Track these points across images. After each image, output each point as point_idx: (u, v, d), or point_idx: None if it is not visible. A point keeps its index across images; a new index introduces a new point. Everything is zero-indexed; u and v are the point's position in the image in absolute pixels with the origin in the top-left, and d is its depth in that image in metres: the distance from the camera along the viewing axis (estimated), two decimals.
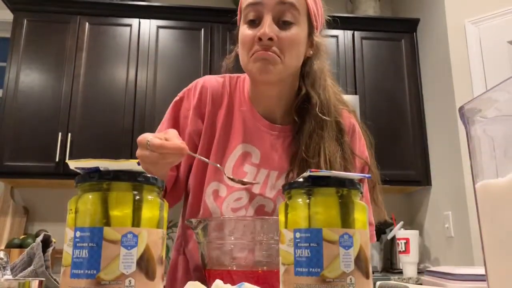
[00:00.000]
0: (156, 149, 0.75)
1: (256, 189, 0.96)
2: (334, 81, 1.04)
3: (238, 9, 0.99)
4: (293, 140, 0.99)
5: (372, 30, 3.07)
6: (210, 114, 1.00)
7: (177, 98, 1.06)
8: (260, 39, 0.88)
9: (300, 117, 0.98)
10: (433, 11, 2.88)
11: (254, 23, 0.91)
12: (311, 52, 0.98)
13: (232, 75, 1.06)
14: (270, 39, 0.88)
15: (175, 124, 1.02)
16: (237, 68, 1.03)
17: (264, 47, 0.89)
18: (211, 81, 1.04)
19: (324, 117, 0.94)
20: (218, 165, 0.89)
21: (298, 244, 0.47)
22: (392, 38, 3.07)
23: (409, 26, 3.10)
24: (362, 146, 1.05)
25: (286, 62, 0.91)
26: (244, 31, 0.92)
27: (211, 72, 2.86)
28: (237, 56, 1.01)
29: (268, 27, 0.88)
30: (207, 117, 1.00)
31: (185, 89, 1.07)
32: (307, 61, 0.98)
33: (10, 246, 2.54)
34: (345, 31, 3.03)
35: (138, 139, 0.78)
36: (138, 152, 0.78)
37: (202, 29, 2.94)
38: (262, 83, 0.96)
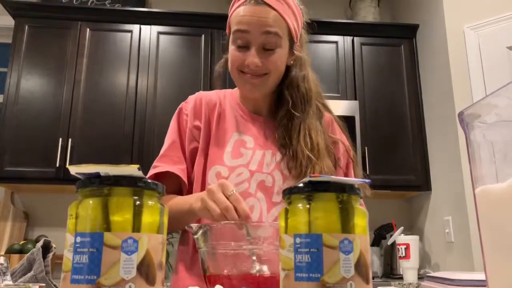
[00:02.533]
0: (233, 200, 0.80)
1: (253, 167, 1.06)
2: (319, 86, 1.16)
3: (227, 23, 1.10)
4: (278, 127, 1.11)
5: (372, 36, 3.08)
6: (206, 115, 1.13)
7: (176, 111, 1.18)
8: (248, 65, 1.03)
9: (280, 109, 1.12)
10: (432, 17, 2.89)
11: (242, 47, 1.04)
12: (291, 62, 1.11)
13: (221, 90, 1.21)
14: (256, 66, 1.02)
15: (179, 130, 1.14)
16: (228, 73, 1.14)
17: (251, 72, 1.04)
18: (203, 92, 1.20)
19: (295, 112, 1.08)
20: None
21: (298, 250, 0.47)
22: (392, 43, 3.08)
23: (409, 32, 3.11)
24: (342, 135, 1.18)
25: (270, 80, 1.07)
26: (234, 52, 1.05)
27: (211, 77, 2.87)
28: (227, 62, 1.13)
29: (254, 56, 1.02)
30: (203, 116, 1.12)
31: (182, 103, 1.19)
32: (287, 69, 1.11)
33: (10, 251, 2.53)
34: (345, 37, 3.04)
35: (223, 181, 0.84)
36: (215, 189, 0.83)
37: (203, 35, 2.95)
38: (250, 97, 1.12)
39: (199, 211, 0.86)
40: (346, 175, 1.14)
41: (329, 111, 1.18)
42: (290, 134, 1.07)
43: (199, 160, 1.08)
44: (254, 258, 0.70)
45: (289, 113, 1.08)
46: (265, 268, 0.70)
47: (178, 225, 0.99)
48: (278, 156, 1.07)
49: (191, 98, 1.17)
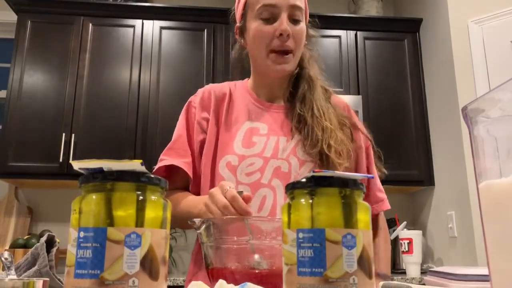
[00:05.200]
0: (230, 198, 0.80)
1: (268, 154, 1.05)
2: (321, 69, 1.18)
3: (242, 4, 1.10)
4: (292, 111, 1.11)
5: (375, 30, 3.06)
6: (215, 106, 1.12)
7: (185, 104, 1.17)
8: (280, 34, 1.02)
9: (296, 90, 1.12)
10: (436, 11, 2.88)
11: (268, 20, 1.04)
12: (305, 42, 1.13)
13: (232, 81, 1.21)
14: (287, 35, 1.02)
15: (187, 123, 1.13)
16: (243, 59, 1.16)
17: (282, 43, 1.03)
18: (213, 84, 1.19)
19: (312, 80, 1.10)
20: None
21: (301, 244, 0.47)
22: (395, 38, 3.07)
23: (412, 26, 3.09)
24: (359, 122, 1.18)
25: (296, 55, 1.07)
26: (260, 27, 1.05)
27: (213, 72, 2.87)
28: (241, 47, 1.15)
29: (287, 24, 1.02)
30: (212, 107, 1.12)
31: (191, 96, 1.19)
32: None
33: (14, 246, 2.55)
34: (348, 31, 3.03)
35: (222, 182, 0.85)
36: (214, 191, 0.84)
37: (205, 30, 2.94)
38: (274, 76, 1.10)
39: (204, 216, 0.87)
40: (368, 155, 1.15)
41: (336, 95, 1.20)
42: (305, 113, 1.07)
43: (208, 151, 1.08)
44: (256, 256, 0.70)
45: (309, 90, 1.09)
46: (264, 264, 0.69)
47: (188, 227, 1.01)
48: (294, 141, 1.06)
49: (200, 91, 1.17)
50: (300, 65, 1.13)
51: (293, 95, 1.12)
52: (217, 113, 1.11)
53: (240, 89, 1.16)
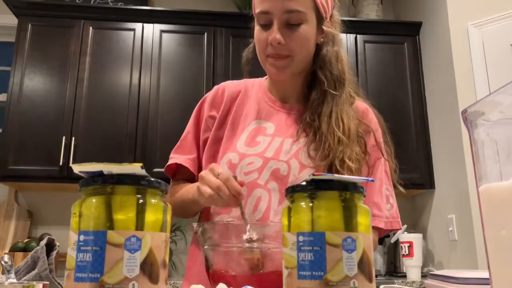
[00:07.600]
0: (223, 179, 0.82)
1: (269, 154, 1.03)
2: (350, 69, 1.12)
3: (252, 4, 1.09)
4: (305, 111, 1.07)
5: (375, 34, 3.07)
6: (225, 104, 1.12)
7: (200, 100, 1.18)
8: (271, 43, 1.00)
9: (310, 92, 1.08)
10: (435, 14, 2.88)
11: (266, 26, 1.03)
12: (322, 39, 1.07)
13: (251, 79, 1.19)
14: (278, 43, 1.00)
15: (196, 120, 1.15)
16: (255, 58, 1.13)
17: (275, 50, 1.01)
18: (228, 82, 1.19)
19: (331, 91, 1.03)
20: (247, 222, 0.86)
21: (301, 248, 0.47)
22: (395, 41, 3.07)
23: (412, 30, 3.10)
24: (378, 130, 1.12)
25: (297, 59, 1.03)
26: (258, 32, 1.05)
27: (214, 76, 2.87)
28: (254, 47, 1.13)
29: (277, 33, 0.99)
30: (223, 106, 1.12)
31: (207, 93, 1.19)
32: (318, 47, 1.08)
33: (14, 249, 2.54)
34: (348, 34, 3.03)
35: (212, 165, 0.87)
36: (205, 174, 0.86)
37: (205, 33, 2.95)
38: (276, 79, 1.09)
39: (198, 198, 0.89)
40: (373, 167, 1.09)
41: (364, 99, 1.13)
42: (320, 117, 1.02)
43: (211, 149, 1.09)
44: (248, 227, 0.70)
45: (323, 95, 1.04)
46: (254, 235, 0.70)
47: (186, 214, 1.06)
48: (299, 144, 1.03)
49: (215, 87, 1.17)
50: (318, 65, 1.07)
51: (307, 96, 1.08)
52: (226, 112, 1.11)
53: (257, 87, 1.15)
